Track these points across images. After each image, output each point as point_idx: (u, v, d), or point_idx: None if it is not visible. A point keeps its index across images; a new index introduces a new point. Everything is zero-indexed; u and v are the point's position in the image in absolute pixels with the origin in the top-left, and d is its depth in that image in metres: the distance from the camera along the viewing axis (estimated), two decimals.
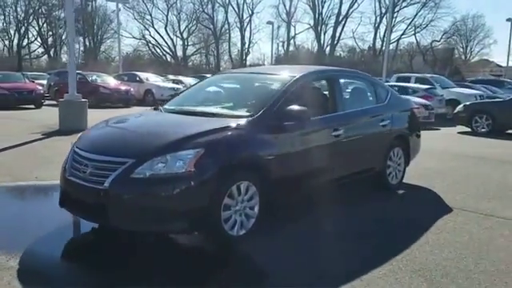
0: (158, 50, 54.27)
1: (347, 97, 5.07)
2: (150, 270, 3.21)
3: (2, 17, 47.94)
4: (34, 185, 5.40)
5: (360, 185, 5.27)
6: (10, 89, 16.41)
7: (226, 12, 52.28)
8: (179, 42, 53.76)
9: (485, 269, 3.33)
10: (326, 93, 4.77)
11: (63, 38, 51.44)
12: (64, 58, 50.72)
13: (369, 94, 5.37)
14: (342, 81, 4.96)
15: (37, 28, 50.06)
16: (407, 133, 5.70)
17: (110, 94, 18.97)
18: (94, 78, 20.34)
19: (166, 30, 52.74)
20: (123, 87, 20.05)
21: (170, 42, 53.49)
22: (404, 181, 5.77)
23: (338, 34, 49.81)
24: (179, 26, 52.62)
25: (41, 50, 51.94)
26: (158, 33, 53.02)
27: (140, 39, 53.03)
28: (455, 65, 44.99)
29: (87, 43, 53.51)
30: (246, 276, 3.25)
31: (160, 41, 53.36)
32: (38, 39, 50.86)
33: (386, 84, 8.10)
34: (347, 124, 4.66)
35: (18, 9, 48.10)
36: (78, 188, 3.43)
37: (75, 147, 3.72)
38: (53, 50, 52.24)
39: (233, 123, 3.77)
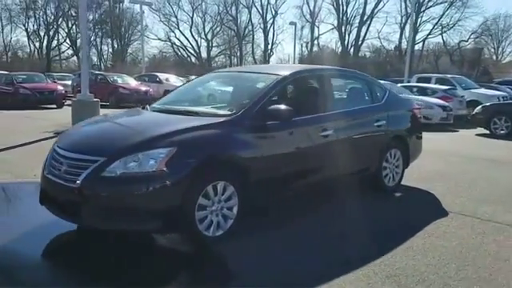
0: (183, 52, 54.92)
1: (339, 96, 4.96)
2: (121, 269, 3.22)
3: (33, 19, 49.42)
4: (30, 181, 5.49)
5: (355, 186, 5.15)
6: (32, 89, 16.91)
7: (250, 13, 52.46)
8: (203, 44, 54.30)
9: (466, 276, 3.19)
10: (315, 92, 4.66)
11: (91, 39, 52.90)
12: (92, 59, 52.13)
13: (364, 93, 5.23)
14: (333, 80, 4.86)
15: (66, 30, 51.26)
16: (406, 134, 5.53)
17: (129, 95, 19.28)
18: (115, 78, 20.75)
19: (191, 32, 53.31)
20: (143, 88, 20.34)
21: (194, 44, 54.08)
22: (404, 183, 5.62)
23: (362, 34, 49.13)
24: (204, 27, 53.14)
25: (70, 51, 53.14)
26: (183, 34, 53.73)
27: (165, 41, 53.75)
28: (484, 65, 43.67)
29: (115, 45, 54.59)
30: (211, 275, 3.21)
31: (185, 42, 54.02)
32: (67, 41, 52.03)
33: (384, 83, 7.87)
34: (337, 124, 4.54)
35: (48, 11, 49.44)
36: (55, 186, 3.45)
37: (55, 146, 3.76)
38: (81, 51, 53.29)
39: (212, 122, 3.74)
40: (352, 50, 49.70)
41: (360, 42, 49.53)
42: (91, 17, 52.45)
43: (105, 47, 55.27)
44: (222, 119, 3.80)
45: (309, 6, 50.20)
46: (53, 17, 49.77)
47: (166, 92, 20.86)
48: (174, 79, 23.83)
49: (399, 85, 15.65)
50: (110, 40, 54.61)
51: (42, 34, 50.30)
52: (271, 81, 4.24)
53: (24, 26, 49.20)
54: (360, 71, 5.89)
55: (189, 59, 54.49)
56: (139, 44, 51.81)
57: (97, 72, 22.75)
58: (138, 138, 3.43)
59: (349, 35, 49.91)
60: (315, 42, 52.40)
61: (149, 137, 3.43)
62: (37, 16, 49.42)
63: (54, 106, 17.31)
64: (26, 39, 50.59)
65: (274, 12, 52.29)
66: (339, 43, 50.48)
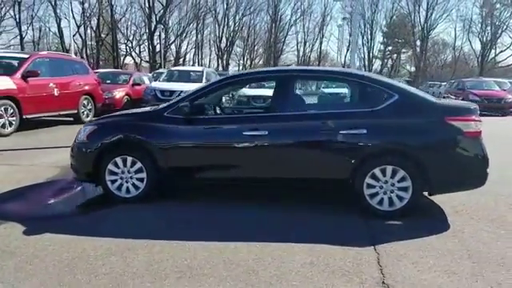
0: None
1: (290, 99, 4.57)
2: None
3: None
4: None
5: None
6: (480, 95, 18.09)
7: None
8: None
9: None
10: (248, 94, 4.56)
11: None
12: None
13: (336, 97, 4.43)
14: (292, 84, 4.66)
15: None
16: (420, 150, 4.18)
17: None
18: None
19: None
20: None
21: None
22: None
23: None
24: None
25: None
26: None
27: None
28: None
29: None
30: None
31: None
32: None
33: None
34: (268, 126, 4.42)
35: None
36: None
37: None
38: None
39: (141, 112, 5.01)
40: None
41: None
42: None
43: None
44: (149, 110, 4.91)
45: None
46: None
47: None
48: None
49: None
50: None
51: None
52: (209, 83, 4.77)
53: None
54: None
55: None
56: None
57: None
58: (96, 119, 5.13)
59: None
60: None
61: (94, 119, 5.04)
62: None
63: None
64: None
65: None
66: None
